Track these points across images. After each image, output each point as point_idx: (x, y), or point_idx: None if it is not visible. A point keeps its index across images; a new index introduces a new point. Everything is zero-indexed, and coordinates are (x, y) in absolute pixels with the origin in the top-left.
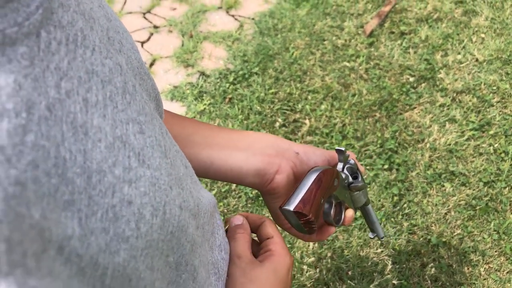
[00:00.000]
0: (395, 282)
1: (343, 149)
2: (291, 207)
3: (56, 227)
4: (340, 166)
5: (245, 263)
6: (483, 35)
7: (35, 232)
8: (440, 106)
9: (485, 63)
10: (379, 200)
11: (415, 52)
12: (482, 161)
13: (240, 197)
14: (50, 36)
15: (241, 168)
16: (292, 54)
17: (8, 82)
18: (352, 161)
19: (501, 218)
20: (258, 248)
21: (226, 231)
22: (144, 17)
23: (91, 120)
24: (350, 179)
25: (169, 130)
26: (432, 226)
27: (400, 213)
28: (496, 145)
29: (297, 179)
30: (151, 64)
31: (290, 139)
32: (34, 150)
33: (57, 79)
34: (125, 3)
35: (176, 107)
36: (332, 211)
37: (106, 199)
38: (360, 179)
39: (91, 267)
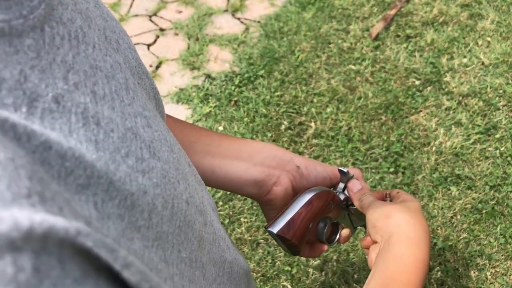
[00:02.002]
0: None
1: (345, 170)
2: (275, 230)
3: (76, 204)
4: (341, 186)
5: (377, 204)
6: (489, 39)
7: (62, 198)
8: (446, 109)
9: (491, 66)
10: None
11: (420, 56)
12: (488, 164)
13: (245, 199)
14: (53, 31)
15: (240, 178)
16: (298, 57)
17: (13, 74)
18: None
19: (508, 222)
20: None
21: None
22: (150, 20)
23: (102, 111)
24: (350, 200)
25: None
26: (438, 229)
27: None
28: (502, 149)
29: (295, 192)
30: (157, 67)
31: (296, 142)
32: (46, 133)
33: (64, 72)
34: (131, 5)
35: (181, 110)
36: (325, 231)
37: (126, 185)
38: None
39: None
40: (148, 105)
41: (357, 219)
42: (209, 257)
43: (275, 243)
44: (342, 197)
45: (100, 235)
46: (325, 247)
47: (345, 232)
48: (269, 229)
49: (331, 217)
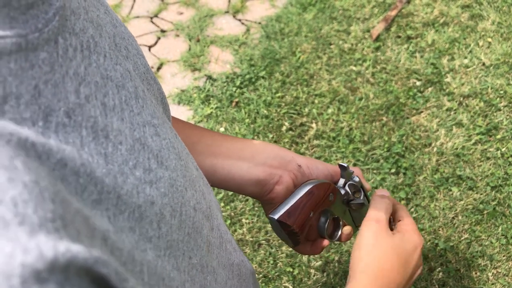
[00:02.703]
0: None
1: (345, 165)
2: (276, 216)
3: (95, 219)
4: (341, 182)
5: (379, 228)
6: (489, 40)
7: (81, 217)
8: (447, 110)
9: (492, 67)
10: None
11: (421, 56)
12: (490, 165)
13: (247, 200)
14: (66, 43)
15: (242, 178)
16: (299, 58)
17: (28, 90)
18: (356, 178)
19: (509, 222)
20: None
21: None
22: (152, 21)
23: (111, 123)
24: (351, 196)
25: None
26: (439, 230)
27: None
28: (503, 149)
29: None
30: (158, 68)
31: (297, 143)
32: (61, 150)
33: (76, 85)
34: (132, 7)
35: (183, 111)
36: (327, 226)
37: (133, 198)
38: (361, 197)
39: (131, 262)
40: (156, 112)
41: (359, 217)
42: (218, 261)
43: (277, 244)
44: (342, 192)
45: (114, 263)
46: (326, 242)
47: (346, 229)
48: (271, 215)
49: (332, 211)
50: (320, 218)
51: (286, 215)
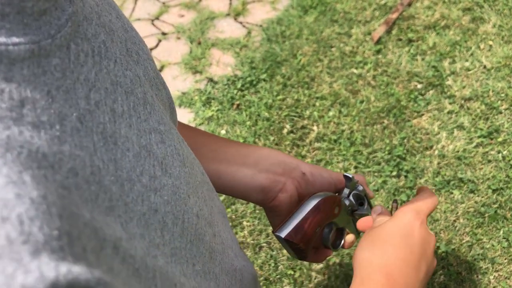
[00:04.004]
0: None
1: (350, 176)
2: (283, 234)
3: (107, 228)
4: (346, 192)
5: (417, 218)
6: (491, 42)
7: (89, 230)
8: (448, 113)
9: (493, 70)
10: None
11: (422, 59)
12: (491, 168)
13: (248, 203)
14: (78, 48)
15: (246, 185)
16: (300, 60)
17: (42, 95)
18: (360, 187)
19: (511, 225)
20: None
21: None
22: (153, 24)
23: (119, 130)
24: (355, 206)
25: None
26: (440, 233)
27: None
28: (505, 152)
29: (300, 199)
30: (160, 71)
31: (298, 146)
32: (72, 159)
33: (87, 91)
34: (133, 9)
35: (184, 113)
36: (331, 236)
37: (138, 206)
38: (365, 206)
39: (144, 268)
40: (164, 118)
41: None
42: (221, 268)
43: (278, 246)
44: (347, 202)
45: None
46: (330, 252)
47: (349, 237)
48: (277, 233)
49: (336, 222)
50: (324, 229)
51: (293, 233)
